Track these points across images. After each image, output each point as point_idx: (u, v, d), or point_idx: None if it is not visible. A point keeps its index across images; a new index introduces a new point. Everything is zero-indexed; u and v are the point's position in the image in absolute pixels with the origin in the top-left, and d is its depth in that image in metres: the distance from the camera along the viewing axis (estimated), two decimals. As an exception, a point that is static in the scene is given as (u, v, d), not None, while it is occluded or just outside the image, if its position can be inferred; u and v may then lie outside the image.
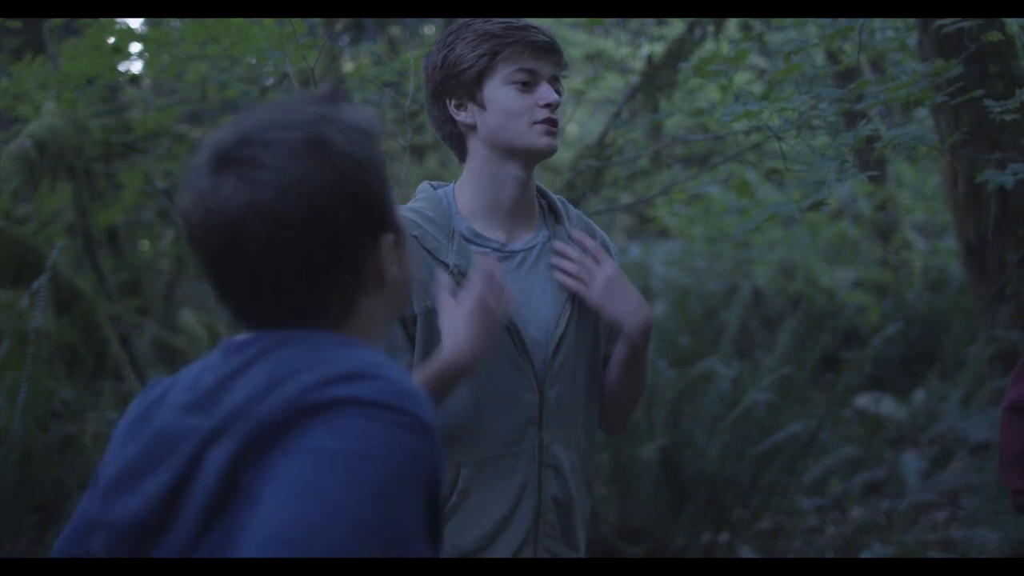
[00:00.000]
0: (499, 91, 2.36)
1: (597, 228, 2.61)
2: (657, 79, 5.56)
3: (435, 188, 2.48)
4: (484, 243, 2.41)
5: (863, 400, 7.64)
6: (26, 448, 4.74)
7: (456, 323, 2.18)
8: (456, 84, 2.38)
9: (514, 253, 2.44)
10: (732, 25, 7.01)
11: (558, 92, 2.39)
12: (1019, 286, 4.45)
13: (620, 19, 8.44)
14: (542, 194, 2.55)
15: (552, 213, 2.54)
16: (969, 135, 4.14)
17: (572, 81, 9.57)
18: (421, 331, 2.30)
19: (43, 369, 4.83)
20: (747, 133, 5.18)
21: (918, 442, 6.84)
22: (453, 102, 2.40)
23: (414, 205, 2.42)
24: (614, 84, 8.49)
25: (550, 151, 2.38)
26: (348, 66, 7.20)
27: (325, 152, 1.41)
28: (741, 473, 5.43)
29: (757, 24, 5.43)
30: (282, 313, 1.44)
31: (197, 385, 1.46)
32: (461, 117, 2.40)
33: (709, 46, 6.12)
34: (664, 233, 11.87)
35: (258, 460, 1.33)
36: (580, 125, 11.93)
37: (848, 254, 10.14)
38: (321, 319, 1.45)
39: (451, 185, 2.49)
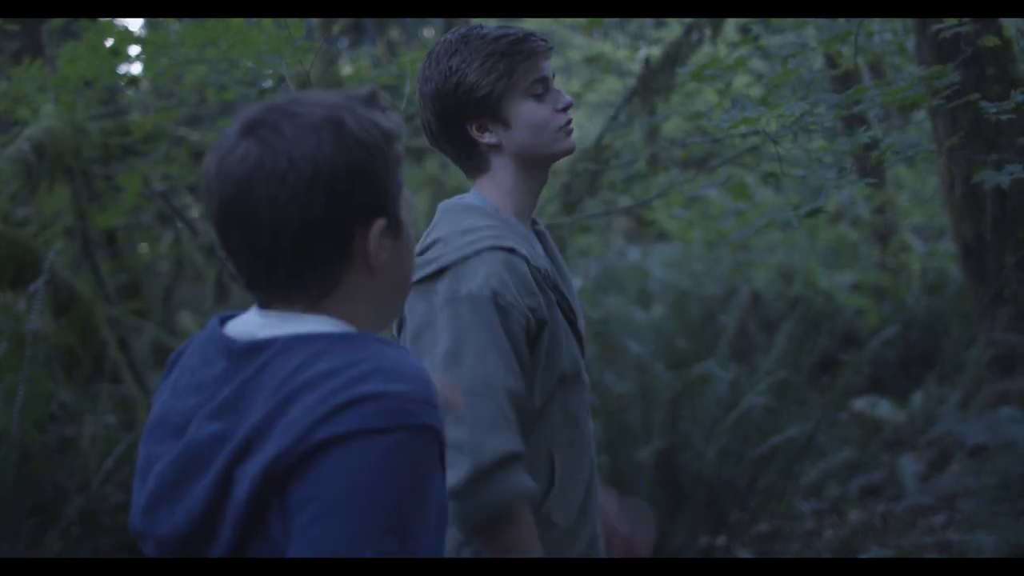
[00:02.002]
0: (521, 107, 2.40)
1: None
2: (654, 82, 5.57)
3: (467, 209, 2.45)
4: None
5: (861, 403, 7.63)
6: (24, 450, 4.74)
7: None
8: (476, 108, 2.39)
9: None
10: (730, 27, 7.01)
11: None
12: (1018, 288, 4.45)
13: (619, 22, 8.45)
14: None
15: None
16: (966, 138, 4.15)
17: (571, 84, 9.56)
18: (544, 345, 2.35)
19: (41, 371, 4.84)
20: (744, 136, 5.19)
21: (916, 445, 6.84)
22: (474, 125, 2.41)
23: (504, 242, 2.36)
24: (612, 87, 8.50)
25: (572, 150, 2.49)
26: (347, 69, 7.20)
27: (339, 131, 1.56)
28: (739, 476, 5.44)
29: (755, 27, 5.43)
30: (276, 274, 1.58)
31: (211, 389, 1.59)
32: (486, 139, 2.42)
33: (706, 49, 6.13)
34: (663, 236, 11.86)
35: (282, 488, 1.47)
36: (578, 128, 11.92)
37: (847, 257, 10.14)
38: (309, 285, 1.60)
39: (477, 201, 2.46)
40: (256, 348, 1.57)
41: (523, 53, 2.38)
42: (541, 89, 2.40)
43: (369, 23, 9.74)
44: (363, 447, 1.45)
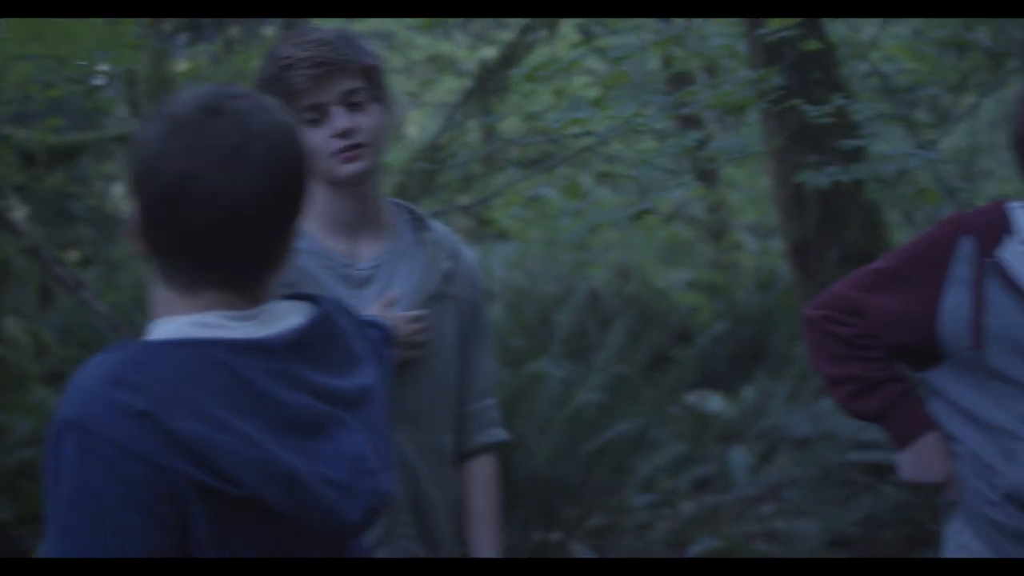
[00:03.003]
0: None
1: (461, 248, 2.60)
2: (491, 83, 5.61)
3: None
4: (330, 258, 2.42)
5: (692, 398, 7.78)
6: None
7: None
8: None
9: (364, 274, 2.45)
10: (568, 28, 7.08)
11: (357, 103, 2.37)
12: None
13: (461, 22, 8.46)
14: (401, 205, 2.58)
15: (415, 219, 2.55)
16: (792, 139, 4.26)
17: (410, 83, 9.52)
18: None
19: None
20: (577, 136, 5.25)
21: (746, 438, 7.01)
22: None
23: None
24: (451, 87, 8.53)
25: (354, 178, 2.37)
26: (181, 66, 7.07)
27: (299, 138, 1.63)
28: (572, 472, 5.49)
29: (594, 28, 5.50)
30: (236, 258, 1.58)
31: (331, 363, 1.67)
32: None
33: (545, 50, 6.18)
34: (502, 235, 11.92)
35: None
36: (420, 127, 11.93)
37: (682, 255, 10.31)
38: (263, 269, 1.62)
39: None
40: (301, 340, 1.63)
41: (278, 86, 2.30)
42: (314, 115, 2.33)
43: (208, 21, 9.57)
44: None
